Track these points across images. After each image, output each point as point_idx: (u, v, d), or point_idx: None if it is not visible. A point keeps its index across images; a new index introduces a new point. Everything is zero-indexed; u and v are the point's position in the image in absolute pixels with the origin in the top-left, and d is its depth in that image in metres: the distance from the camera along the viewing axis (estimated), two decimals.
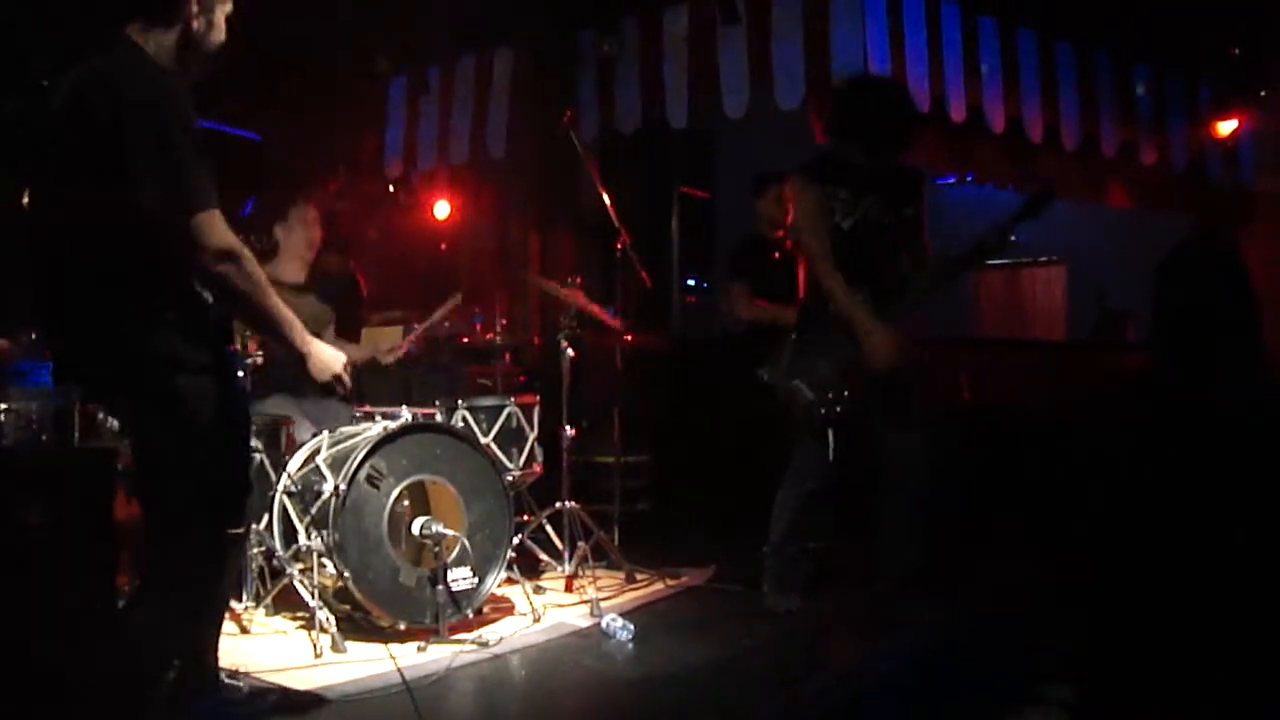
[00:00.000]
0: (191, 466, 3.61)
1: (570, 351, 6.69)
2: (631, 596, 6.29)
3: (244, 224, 7.73)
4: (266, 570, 5.63)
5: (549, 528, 6.72)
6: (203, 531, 3.73)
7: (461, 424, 6.23)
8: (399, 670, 4.17)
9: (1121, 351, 10.52)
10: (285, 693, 4.45)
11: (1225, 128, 10.53)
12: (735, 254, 7.63)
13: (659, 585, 6.50)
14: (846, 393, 5.59)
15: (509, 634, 5.44)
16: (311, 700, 4.44)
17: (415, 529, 5.29)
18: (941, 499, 5.79)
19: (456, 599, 5.36)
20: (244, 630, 5.34)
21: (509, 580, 5.89)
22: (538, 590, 6.20)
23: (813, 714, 4.73)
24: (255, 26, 4.06)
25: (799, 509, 5.83)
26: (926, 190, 5.80)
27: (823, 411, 5.61)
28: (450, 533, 5.30)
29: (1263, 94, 10.43)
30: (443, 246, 10.71)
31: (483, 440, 6.15)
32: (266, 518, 5.49)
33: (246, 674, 4.63)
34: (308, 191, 6.95)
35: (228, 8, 3.80)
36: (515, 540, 5.94)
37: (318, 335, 4.19)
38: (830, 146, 5.89)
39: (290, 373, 5.84)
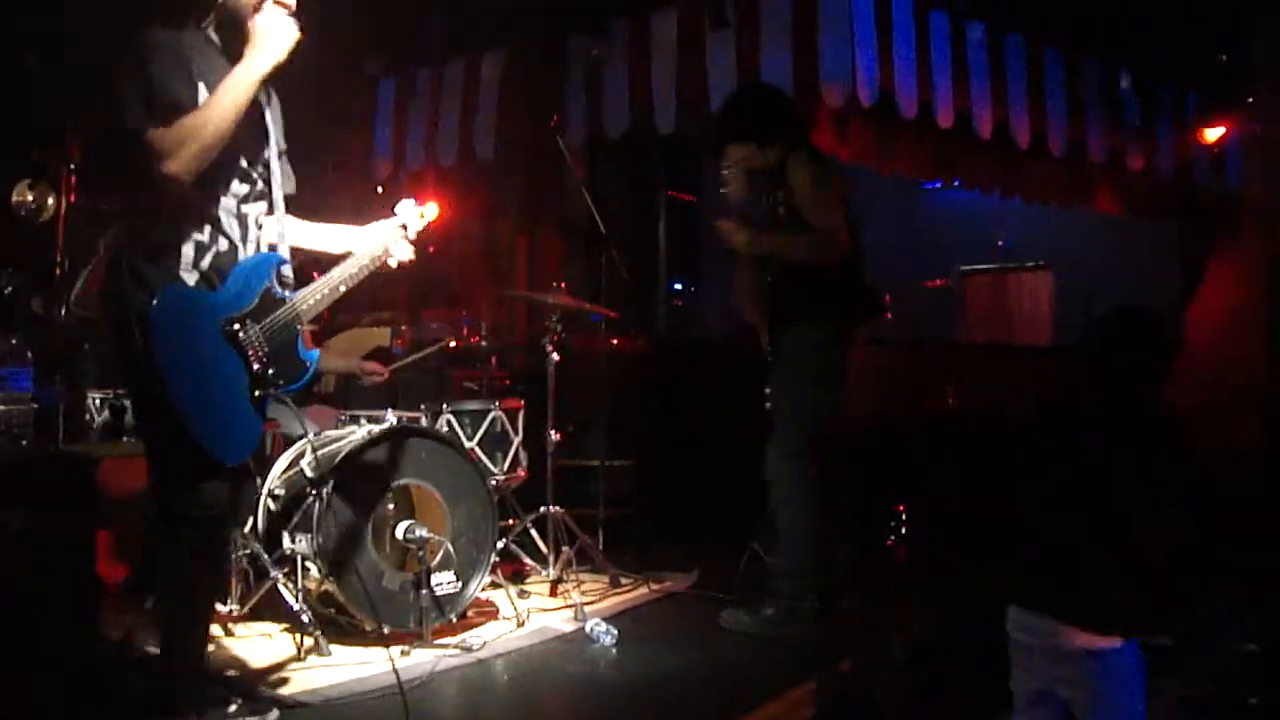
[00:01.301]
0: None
1: (555, 356, 6.69)
2: (615, 601, 6.30)
3: None
4: (251, 573, 5.61)
5: (533, 532, 6.71)
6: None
7: (446, 428, 6.23)
8: (395, 671, 4.15)
9: None
10: (269, 696, 4.45)
11: (1212, 134, 10.57)
12: None
13: (643, 590, 6.50)
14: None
15: (493, 638, 5.45)
16: (295, 704, 4.44)
17: (399, 533, 5.29)
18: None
19: (440, 603, 5.36)
20: (228, 633, 5.34)
21: (493, 584, 5.90)
22: (522, 594, 6.20)
23: None
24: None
25: None
26: (799, 165, 5.75)
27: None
28: (434, 537, 5.30)
29: (1250, 100, 10.46)
30: (430, 249, 10.70)
31: (467, 445, 6.16)
32: (251, 520, 5.50)
33: (230, 676, 4.64)
34: None
35: None
36: (499, 544, 5.95)
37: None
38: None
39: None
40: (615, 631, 5.48)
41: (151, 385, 3.61)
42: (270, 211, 4.08)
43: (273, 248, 4.07)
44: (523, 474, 6.67)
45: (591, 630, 5.52)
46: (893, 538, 7.33)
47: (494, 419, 6.45)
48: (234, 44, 3.86)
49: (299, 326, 3.99)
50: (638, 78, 8.48)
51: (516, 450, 6.57)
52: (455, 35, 9.20)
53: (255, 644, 5.26)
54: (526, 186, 9.93)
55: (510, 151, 9.20)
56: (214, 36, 3.91)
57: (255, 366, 3.82)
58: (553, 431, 6.70)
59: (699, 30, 8.09)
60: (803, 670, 5.02)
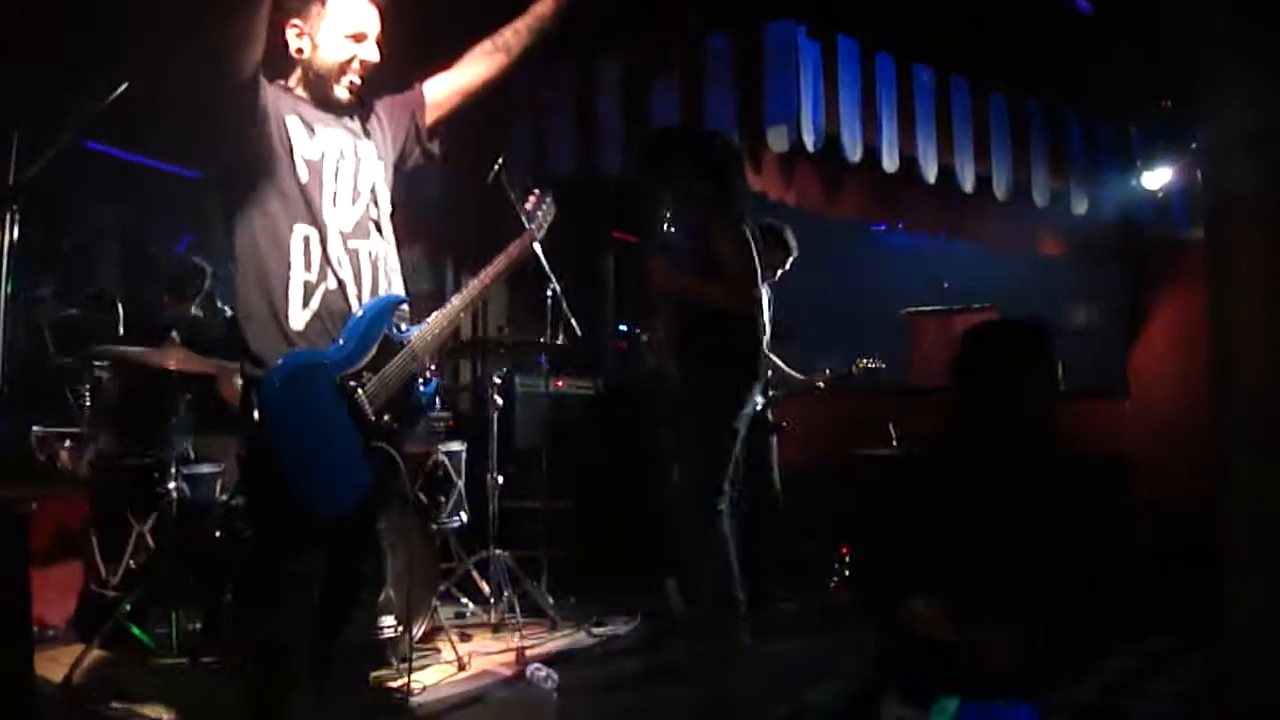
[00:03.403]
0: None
1: (499, 399, 6.67)
2: (557, 645, 6.28)
3: (178, 260, 7.69)
4: None
5: (476, 574, 6.69)
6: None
7: None
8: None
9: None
10: None
11: (1157, 179, 10.62)
12: None
13: (583, 634, 6.48)
14: None
15: (433, 682, 5.42)
16: None
17: None
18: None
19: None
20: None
21: (435, 628, 5.86)
22: (464, 638, 6.18)
23: None
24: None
25: None
26: (716, 212, 5.87)
27: None
28: None
29: (1194, 145, 10.53)
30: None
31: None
32: None
33: None
34: None
35: (341, 24, 3.84)
36: (441, 588, 5.92)
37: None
38: None
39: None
40: (555, 676, 5.46)
41: (262, 455, 3.61)
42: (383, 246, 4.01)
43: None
44: (464, 517, 6.64)
45: (532, 675, 5.50)
46: (835, 580, 7.34)
47: (436, 463, 6.43)
48: (321, 98, 3.90)
49: (416, 366, 3.88)
50: (584, 118, 8.47)
51: (459, 493, 6.54)
52: (401, 75, 9.18)
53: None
54: (470, 228, 9.90)
55: (455, 191, 9.17)
56: (300, 92, 3.88)
57: (371, 419, 3.71)
58: (495, 474, 6.68)
59: (643, 74, 8.08)
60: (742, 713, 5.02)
